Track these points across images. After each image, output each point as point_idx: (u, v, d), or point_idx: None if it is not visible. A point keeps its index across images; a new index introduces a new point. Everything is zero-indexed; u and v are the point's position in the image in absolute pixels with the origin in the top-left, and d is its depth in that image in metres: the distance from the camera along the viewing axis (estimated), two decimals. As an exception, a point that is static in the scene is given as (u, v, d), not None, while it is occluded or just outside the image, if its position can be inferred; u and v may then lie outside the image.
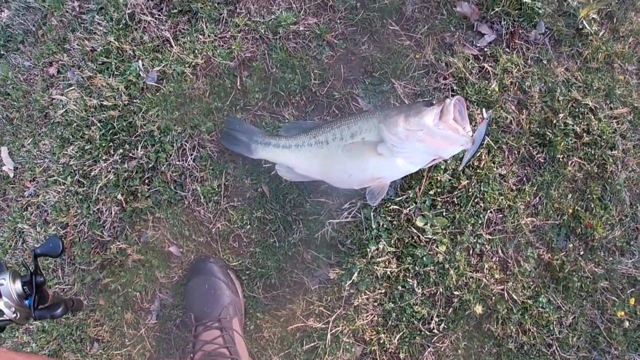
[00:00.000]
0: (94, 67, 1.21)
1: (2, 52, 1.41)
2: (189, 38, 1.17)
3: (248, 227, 1.11)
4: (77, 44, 1.25)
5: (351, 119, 0.98)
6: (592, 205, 1.10)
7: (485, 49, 1.12)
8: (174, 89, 1.15)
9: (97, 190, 1.15)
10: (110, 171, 1.15)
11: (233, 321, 1.04)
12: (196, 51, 1.16)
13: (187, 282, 1.07)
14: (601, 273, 1.09)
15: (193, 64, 1.15)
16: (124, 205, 1.14)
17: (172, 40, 1.17)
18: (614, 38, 1.18)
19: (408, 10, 1.14)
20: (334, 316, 1.08)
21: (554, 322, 1.06)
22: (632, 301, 1.09)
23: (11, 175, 1.29)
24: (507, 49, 1.12)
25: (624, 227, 1.11)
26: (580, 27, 1.15)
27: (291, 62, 1.13)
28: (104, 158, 1.16)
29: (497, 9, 1.12)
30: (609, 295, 1.09)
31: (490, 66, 1.10)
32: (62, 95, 1.23)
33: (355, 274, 1.06)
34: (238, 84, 1.14)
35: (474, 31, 1.13)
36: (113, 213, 1.15)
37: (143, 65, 1.16)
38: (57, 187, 1.20)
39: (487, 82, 1.10)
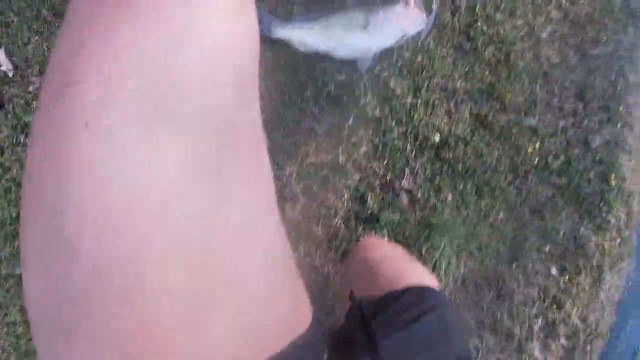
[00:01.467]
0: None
1: None
2: None
3: (270, 88, 1.49)
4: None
5: (348, 10, 1.50)
6: (502, 80, 1.69)
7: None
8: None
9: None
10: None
11: None
12: None
13: None
14: (512, 119, 1.66)
15: None
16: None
17: None
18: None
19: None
20: (339, 150, 1.50)
21: (486, 153, 1.60)
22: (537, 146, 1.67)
23: (10, 74, 1.39)
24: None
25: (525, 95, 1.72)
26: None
27: None
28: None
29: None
30: (520, 137, 1.67)
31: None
32: None
33: (351, 119, 1.52)
34: None
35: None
36: None
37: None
38: None
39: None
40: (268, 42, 1.53)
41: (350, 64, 1.55)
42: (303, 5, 1.58)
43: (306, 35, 1.48)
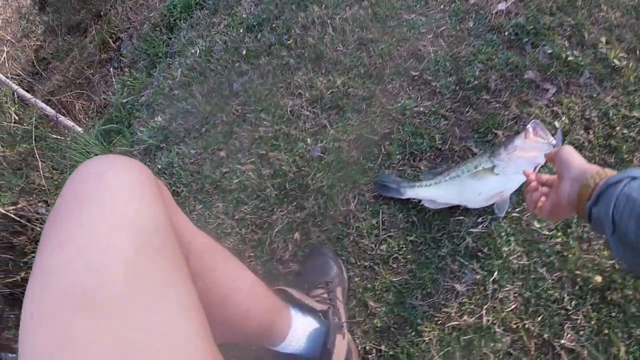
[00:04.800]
0: (265, 148, 1.77)
1: (161, 145, 1.96)
2: (340, 124, 1.76)
3: (404, 249, 1.56)
4: (245, 134, 1.82)
5: (472, 158, 1.55)
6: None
7: (552, 98, 1.69)
8: (335, 158, 1.70)
9: (273, 235, 1.64)
10: (285, 219, 1.64)
11: (337, 289, 1.44)
12: (347, 131, 1.75)
13: (305, 262, 1.53)
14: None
15: (347, 140, 1.73)
16: (299, 242, 1.62)
17: (328, 126, 1.76)
18: (641, 62, 1.75)
19: (492, 85, 1.75)
20: (483, 310, 1.45)
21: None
22: None
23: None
24: (566, 94, 1.69)
25: None
26: (613, 65, 1.73)
27: (419, 131, 1.72)
28: (279, 210, 1.66)
29: (552, 69, 1.72)
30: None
31: (558, 108, 1.66)
32: (239, 165, 1.76)
33: (496, 273, 1.47)
34: (383, 150, 1.71)
35: (540, 89, 1.73)
36: (290, 249, 1.63)
37: (308, 143, 1.73)
38: (231, 238, 1.69)
39: (558, 118, 1.65)
40: (399, 204, 1.60)
41: (486, 212, 1.57)
42: (429, 161, 1.64)
43: (436, 192, 1.54)
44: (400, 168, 1.69)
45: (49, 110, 3.50)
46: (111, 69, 3.49)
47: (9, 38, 5.16)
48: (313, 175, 1.71)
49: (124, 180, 0.60)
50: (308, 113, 1.82)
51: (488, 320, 1.44)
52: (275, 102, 1.87)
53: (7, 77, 4.10)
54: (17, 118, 3.92)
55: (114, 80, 3.12)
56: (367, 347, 1.49)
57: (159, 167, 1.99)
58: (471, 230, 1.55)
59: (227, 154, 1.87)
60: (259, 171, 1.76)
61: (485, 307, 1.45)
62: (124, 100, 2.67)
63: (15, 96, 3.98)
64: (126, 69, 3.14)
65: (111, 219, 0.56)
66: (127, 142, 2.34)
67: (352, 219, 1.64)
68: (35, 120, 3.67)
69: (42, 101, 3.78)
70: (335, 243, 1.62)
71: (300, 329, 1.22)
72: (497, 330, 1.43)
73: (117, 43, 3.92)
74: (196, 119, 2.01)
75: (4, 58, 4.80)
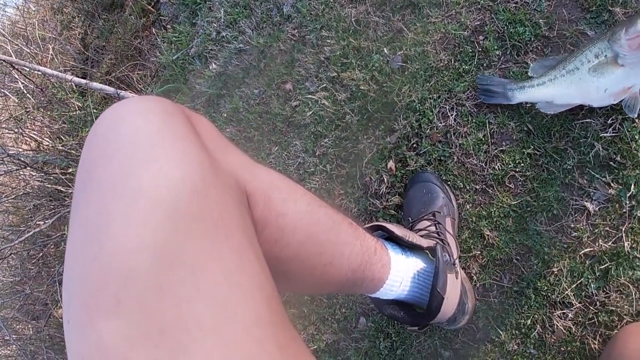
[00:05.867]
0: (335, 69, 1.53)
1: (222, 92, 1.77)
2: (419, 24, 1.49)
3: (521, 165, 1.30)
4: (309, 59, 1.58)
5: (589, 45, 1.23)
6: None
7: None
8: (420, 65, 1.44)
9: (363, 166, 1.42)
10: (373, 147, 1.41)
11: (446, 219, 1.25)
12: (430, 32, 1.47)
13: (406, 193, 1.34)
14: None
15: (431, 42, 1.45)
16: (394, 171, 1.37)
17: (405, 29, 1.49)
18: None
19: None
20: (622, 233, 1.19)
21: None
22: None
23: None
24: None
25: None
26: None
27: (518, 18, 1.41)
28: (364, 137, 1.43)
29: None
30: None
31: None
32: (310, 95, 1.53)
33: (632, 186, 1.21)
34: (478, 47, 1.41)
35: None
36: (385, 180, 1.40)
37: (384, 54, 1.47)
38: (316, 177, 1.49)
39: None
40: (508, 110, 1.33)
41: (615, 110, 1.27)
42: (536, 54, 1.34)
43: (552, 91, 1.25)
44: (503, 66, 1.41)
45: (109, 89, 3.52)
46: (153, 30, 3.36)
47: (50, 35, 5.22)
48: (398, 90, 1.46)
49: (140, 134, 0.51)
50: (377, 19, 1.56)
51: (628, 245, 1.18)
52: (336, 15, 1.64)
53: (59, 71, 4.12)
54: (80, 106, 3.94)
55: (158, 40, 2.98)
56: (487, 284, 1.29)
57: (225, 115, 1.84)
58: (601, 135, 1.26)
59: (294, 85, 1.66)
60: (333, 97, 1.54)
61: (623, 228, 1.20)
62: (174, 57, 2.61)
63: (74, 86, 4.00)
64: (168, 26, 3.02)
65: (127, 195, 0.47)
66: (188, 98, 2.24)
67: (453, 135, 1.39)
68: (94, 102, 3.68)
69: (101, 82, 3.76)
70: (438, 166, 1.38)
71: (403, 270, 1.06)
72: (637, 255, 1.18)
73: (155, 5, 3.82)
74: (251, 55, 1.82)
75: (52, 54, 4.84)
